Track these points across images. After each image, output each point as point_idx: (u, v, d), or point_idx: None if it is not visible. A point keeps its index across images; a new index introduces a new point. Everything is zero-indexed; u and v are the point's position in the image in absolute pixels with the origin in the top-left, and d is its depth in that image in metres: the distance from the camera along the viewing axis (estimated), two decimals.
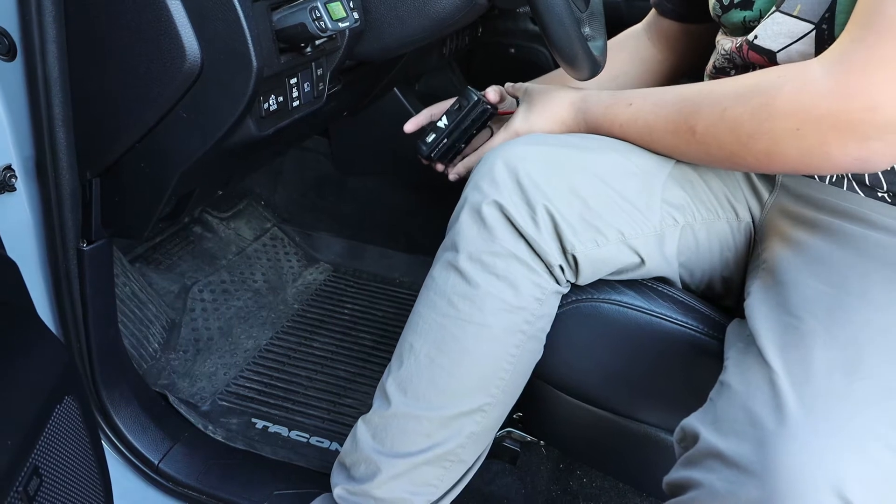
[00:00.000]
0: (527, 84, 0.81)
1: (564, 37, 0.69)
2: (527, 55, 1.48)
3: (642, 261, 0.68)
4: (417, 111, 1.27)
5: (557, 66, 0.85)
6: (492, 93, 0.84)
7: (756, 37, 0.65)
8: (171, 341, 1.04)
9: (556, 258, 0.65)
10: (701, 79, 0.82)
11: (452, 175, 0.84)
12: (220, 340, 1.09)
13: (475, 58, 1.54)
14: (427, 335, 0.68)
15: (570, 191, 0.65)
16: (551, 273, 0.66)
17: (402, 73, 1.20)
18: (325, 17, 0.61)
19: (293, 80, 0.69)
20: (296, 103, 0.70)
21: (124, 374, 0.83)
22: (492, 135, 0.86)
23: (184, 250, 1.19)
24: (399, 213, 1.35)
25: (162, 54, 0.58)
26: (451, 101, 0.85)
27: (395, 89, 1.25)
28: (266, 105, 0.65)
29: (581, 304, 0.70)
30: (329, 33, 0.62)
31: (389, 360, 0.71)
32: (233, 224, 1.30)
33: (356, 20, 0.66)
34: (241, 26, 0.56)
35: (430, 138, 0.84)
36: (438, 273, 0.69)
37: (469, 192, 0.67)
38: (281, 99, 0.67)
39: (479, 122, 0.82)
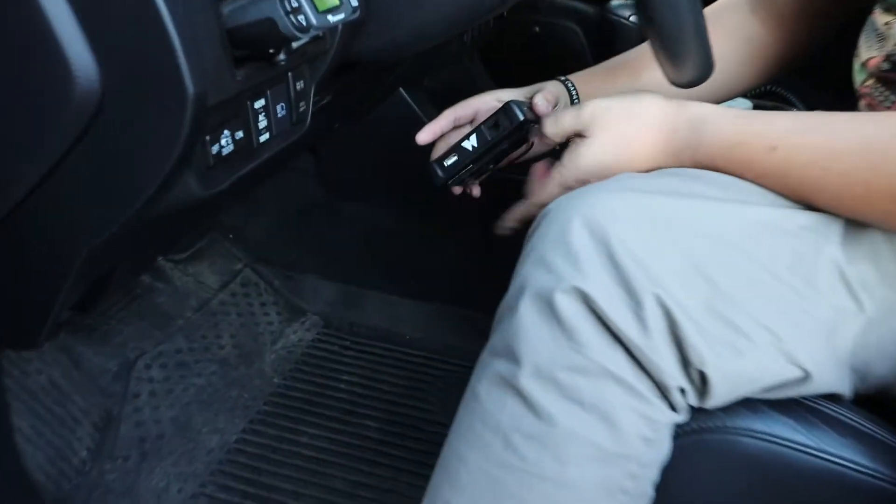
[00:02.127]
0: (592, 103, 0.61)
1: (677, 18, 0.50)
2: (555, 34, 1.30)
3: (806, 374, 0.49)
4: (429, 115, 1.09)
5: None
6: (542, 104, 0.67)
7: None
8: (106, 445, 0.85)
9: (674, 377, 0.47)
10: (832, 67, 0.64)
11: (505, 229, 0.66)
12: (173, 438, 0.90)
13: (492, 40, 1.35)
14: (473, 492, 0.50)
15: (691, 267, 0.47)
16: (666, 398, 0.48)
17: (411, 68, 1.02)
18: (307, 8, 0.42)
19: (260, 103, 0.50)
20: (264, 136, 0.51)
21: None
22: (530, 147, 0.69)
23: (127, 310, 1.00)
24: (407, 248, 1.16)
25: (37, 75, 0.39)
26: (480, 100, 0.70)
27: (401, 89, 1.06)
28: (216, 147, 0.46)
29: (707, 435, 0.51)
30: (313, 33, 0.43)
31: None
32: (192, 268, 1.12)
33: (354, 9, 0.47)
34: (163, 27, 0.37)
35: (451, 161, 0.68)
36: (487, 392, 0.50)
37: (530, 272, 0.49)
38: (241, 134, 0.48)
39: (518, 141, 0.68)
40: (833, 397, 0.52)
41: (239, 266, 1.17)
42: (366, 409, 0.98)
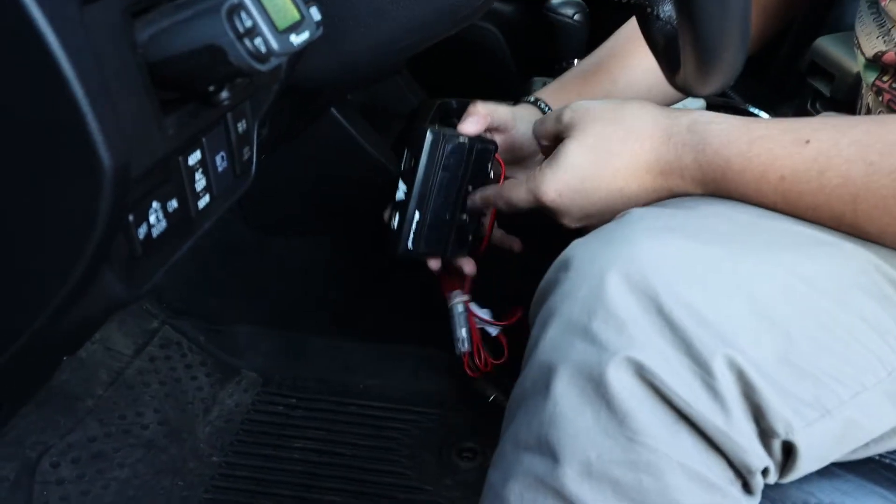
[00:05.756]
0: (573, 104, 0.53)
1: (724, 12, 0.41)
2: (473, 37, 1.21)
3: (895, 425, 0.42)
4: (363, 133, 0.97)
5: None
6: (471, 124, 0.61)
7: None
8: None
9: (759, 456, 0.39)
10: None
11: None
12: None
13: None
14: None
15: (758, 316, 0.40)
16: (746, 483, 0.39)
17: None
18: (265, 29, 0.29)
19: (195, 158, 0.37)
20: (204, 201, 0.38)
21: None
22: (500, 175, 0.62)
23: None
24: (350, 285, 1.04)
25: None
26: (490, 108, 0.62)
27: (332, 108, 0.94)
28: (143, 229, 0.32)
29: None
30: (275, 62, 0.30)
31: None
32: (97, 333, 0.95)
33: (318, 24, 0.35)
34: (55, 66, 0.24)
35: (395, 221, 0.61)
36: (518, 498, 0.41)
37: (562, 342, 0.41)
38: (174, 204, 0.35)
39: (475, 171, 0.60)
40: None
41: (155, 324, 1.01)
42: (327, 481, 0.85)
